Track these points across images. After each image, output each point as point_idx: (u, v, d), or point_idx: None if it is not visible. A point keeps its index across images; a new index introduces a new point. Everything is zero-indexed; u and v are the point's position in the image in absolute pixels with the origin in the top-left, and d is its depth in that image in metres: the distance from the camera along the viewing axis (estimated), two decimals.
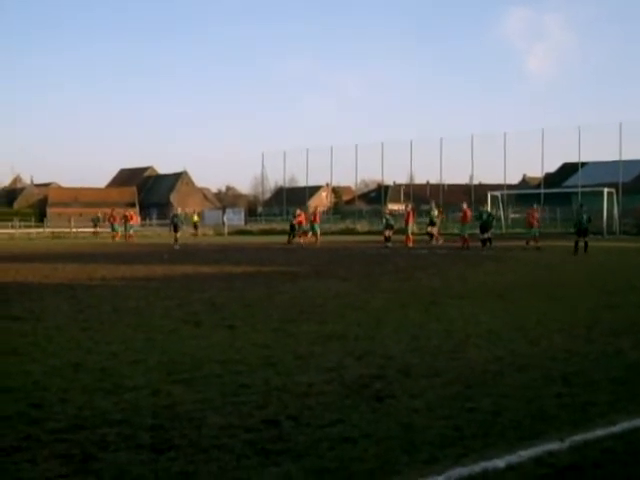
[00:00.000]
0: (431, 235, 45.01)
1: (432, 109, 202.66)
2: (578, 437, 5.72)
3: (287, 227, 54.69)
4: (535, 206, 43.82)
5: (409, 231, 43.05)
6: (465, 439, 5.74)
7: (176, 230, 47.23)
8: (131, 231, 57.43)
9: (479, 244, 37.49)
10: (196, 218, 66.82)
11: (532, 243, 39.51)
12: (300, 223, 48.85)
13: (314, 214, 49.36)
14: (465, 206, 42.44)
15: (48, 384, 7.67)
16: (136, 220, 62.25)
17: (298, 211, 49.89)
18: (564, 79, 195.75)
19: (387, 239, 42.44)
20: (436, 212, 45.53)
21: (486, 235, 38.46)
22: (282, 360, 8.84)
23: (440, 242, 43.48)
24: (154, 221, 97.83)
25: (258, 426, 6.11)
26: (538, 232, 40.57)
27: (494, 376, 7.95)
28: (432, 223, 45.19)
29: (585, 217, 33.62)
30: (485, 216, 39.69)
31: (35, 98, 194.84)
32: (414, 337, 10.44)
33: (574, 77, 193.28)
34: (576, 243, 32.56)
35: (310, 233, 48.35)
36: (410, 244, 41.44)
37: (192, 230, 64.05)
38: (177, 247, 42.72)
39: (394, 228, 44.18)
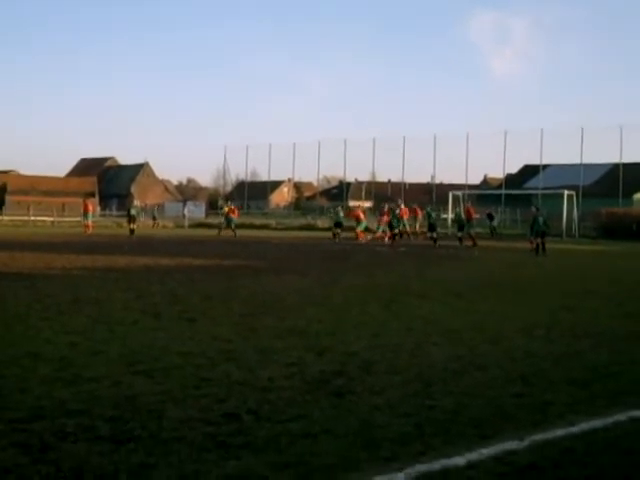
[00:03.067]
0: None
1: (396, 108, 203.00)
2: (537, 437, 5.77)
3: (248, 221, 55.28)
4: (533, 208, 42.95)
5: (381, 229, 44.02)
6: (425, 436, 5.77)
7: (132, 221, 48.29)
8: (89, 221, 56.16)
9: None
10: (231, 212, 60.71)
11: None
12: (358, 218, 45.40)
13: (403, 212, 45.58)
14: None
15: (7, 373, 7.61)
16: (93, 209, 60.15)
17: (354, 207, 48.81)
18: (528, 82, 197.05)
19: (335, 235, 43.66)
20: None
21: (434, 234, 40.63)
22: (243, 354, 8.83)
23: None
24: (114, 212, 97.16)
25: (218, 419, 6.10)
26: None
27: (454, 375, 7.99)
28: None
29: (541, 220, 33.67)
30: (434, 216, 42.94)
31: None
32: (375, 334, 10.46)
33: (538, 80, 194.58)
34: (537, 245, 32.72)
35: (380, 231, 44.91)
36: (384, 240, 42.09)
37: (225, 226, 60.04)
38: (132, 239, 42.92)
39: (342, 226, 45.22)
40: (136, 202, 51.59)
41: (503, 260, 29.40)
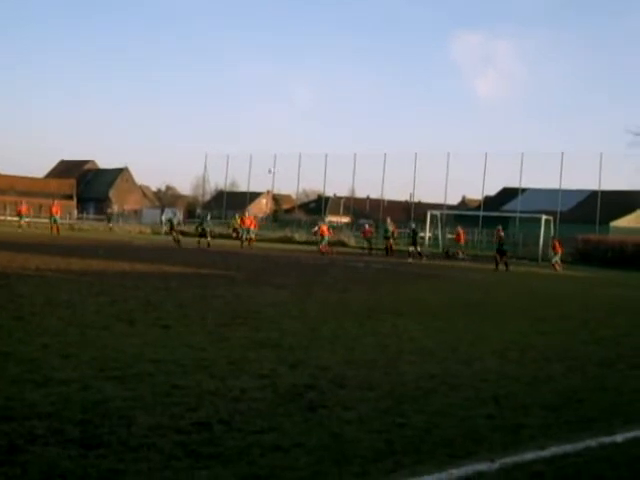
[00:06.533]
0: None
1: (378, 124, 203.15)
2: (508, 459, 5.76)
3: (227, 230, 56.23)
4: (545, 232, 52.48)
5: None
6: (396, 454, 5.75)
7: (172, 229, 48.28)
8: (22, 221, 56.81)
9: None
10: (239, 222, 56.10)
11: (558, 268, 42.10)
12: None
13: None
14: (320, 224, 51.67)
15: None
16: (25, 211, 59.79)
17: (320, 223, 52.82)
18: (510, 104, 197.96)
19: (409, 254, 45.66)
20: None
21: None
22: (216, 363, 8.79)
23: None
24: (91, 215, 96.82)
25: (189, 428, 6.06)
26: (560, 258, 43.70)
27: (426, 393, 7.98)
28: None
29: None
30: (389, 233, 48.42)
31: None
32: (349, 349, 10.46)
33: (520, 103, 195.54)
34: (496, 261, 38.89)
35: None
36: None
37: (234, 234, 57.09)
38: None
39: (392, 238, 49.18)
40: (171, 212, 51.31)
41: (479, 281, 29.44)
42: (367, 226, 57.06)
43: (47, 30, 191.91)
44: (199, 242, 45.37)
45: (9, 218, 69.36)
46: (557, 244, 44.15)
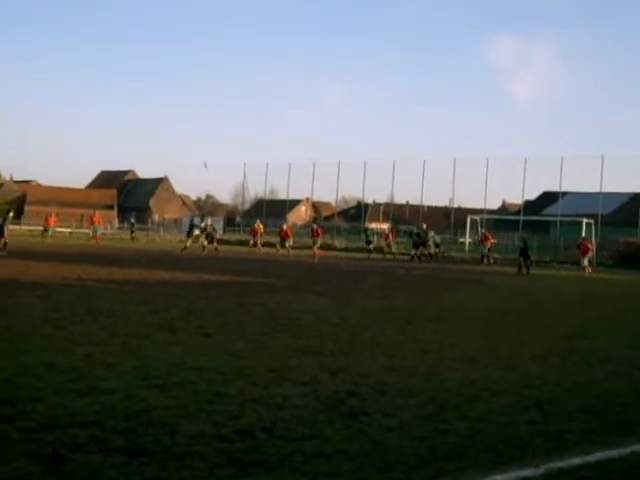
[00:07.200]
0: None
1: (416, 131, 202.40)
2: (553, 465, 5.72)
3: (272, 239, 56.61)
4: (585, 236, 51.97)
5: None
6: (439, 460, 5.73)
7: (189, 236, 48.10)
8: (48, 233, 57.62)
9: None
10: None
11: (588, 270, 42.43)
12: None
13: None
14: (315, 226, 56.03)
15: (21, 382, 7.61)
16: (54, 222, 60.79)
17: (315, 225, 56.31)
18: (549, 108, 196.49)
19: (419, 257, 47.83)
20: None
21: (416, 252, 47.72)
22: (257, 371, 8.81)
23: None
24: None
25: (232, 436, 6.08)
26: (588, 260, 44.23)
27: (469, 399, 7.95)
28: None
29: (523, 244, 41.81)
30: (422, 235, 48.52)
31: (18, 96, 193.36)
32: (389, 356, 10.44)
33: (559, 106, 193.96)
34: (519, 265, 39.98)
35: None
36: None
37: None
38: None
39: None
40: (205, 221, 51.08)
41: (518, 286, 29.27)
42: (386, 231, 60.20)
43: (87, 43, 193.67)
44: (204, 247, 46.26)
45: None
46: (585, 245, 43.95)
